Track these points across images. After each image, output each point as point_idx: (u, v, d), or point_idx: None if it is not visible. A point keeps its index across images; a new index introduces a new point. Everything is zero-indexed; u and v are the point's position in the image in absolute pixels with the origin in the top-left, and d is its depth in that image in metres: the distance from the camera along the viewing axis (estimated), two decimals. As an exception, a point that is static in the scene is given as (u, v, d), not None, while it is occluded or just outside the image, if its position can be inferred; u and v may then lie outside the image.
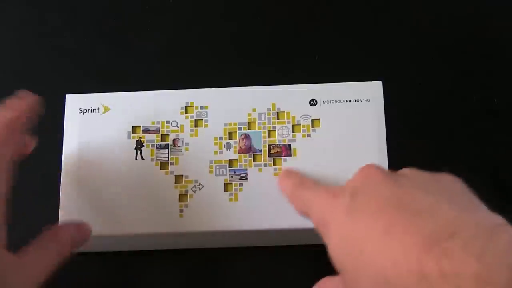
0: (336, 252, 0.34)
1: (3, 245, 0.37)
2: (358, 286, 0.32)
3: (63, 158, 0.46)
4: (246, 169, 0.45)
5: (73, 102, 0.47)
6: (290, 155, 0.45)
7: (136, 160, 0.45)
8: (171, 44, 0.54)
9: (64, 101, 0.48)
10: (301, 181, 0.40)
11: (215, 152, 0.45)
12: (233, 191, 0.44)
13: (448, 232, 0.29)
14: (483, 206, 0.32)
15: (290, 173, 0.43)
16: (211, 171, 0.45)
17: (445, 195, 0.32)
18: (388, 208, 0.32)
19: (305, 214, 0.39)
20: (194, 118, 0.46)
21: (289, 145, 0.45)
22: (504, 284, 0.26)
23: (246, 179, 0.45)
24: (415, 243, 0.29)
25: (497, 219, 0.30)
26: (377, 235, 0.31)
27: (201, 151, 0.45)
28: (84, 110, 0.47)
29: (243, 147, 0.45)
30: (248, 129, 0.46)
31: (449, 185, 0.34)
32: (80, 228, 0.43)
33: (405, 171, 0.36)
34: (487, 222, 0.29)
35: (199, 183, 0.45)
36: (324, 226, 0.35)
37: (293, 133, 0.46)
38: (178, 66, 0.54)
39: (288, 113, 0.46)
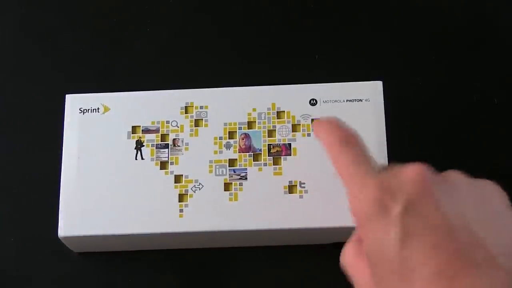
0: (370, 252, 0.33)
1: None
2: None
3: (63, 158, 0.46)
4: (246, 169, 0.45)
5: (73, 102, 0.47)
6: (290, 155, 0.45)
7: (136, 160, 0.45)
8: (171, 44, 0.54)
9: (64, 101, 0.47)
10: (347, 143, 0.36)
11: (215, 152, 0.45)
12: (233, 191, 0.44)
13: None
14: None
15: (335, 127, 0.37)
16: (211, 171, 0.45)
17: (497, 231, 0.31)
18: (444, 247, 0.30)
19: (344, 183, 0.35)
20: (194, 118, 0.46)
21: (289, 144, 0.45)
22: None
23: (246, 178, 0.45)
24: None
25: None
26: (427, 275, 0.30)
27: (201, 151, 0.45)
28: (84, 110, 0.47)
29: (243, 147, 0.45)
30: (248, 129, 0.46)
31: (498, 208, 0.33)
32: None
33: (458, 182, 0.33)
34: None
35: (199, 183, 0.45)
36: (363, 228, 0.33)
37: (293, 133, 0.46)
38: (178, 66, 0.54)
39: (288, 112, 0.46)
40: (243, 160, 0.45)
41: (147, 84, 0.49)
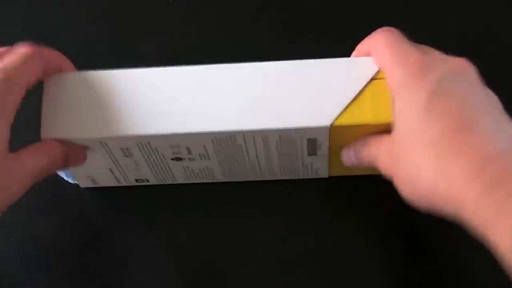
0: (397, 116, 0.36)
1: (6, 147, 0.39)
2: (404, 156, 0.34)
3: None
4: None
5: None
6: None
7: None
8: (171, 44, 0.54)
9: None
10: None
11: None
12: None
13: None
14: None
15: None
16: None
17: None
18: (456, 120, 0.34)
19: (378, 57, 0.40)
20: None
21: None
22: None
23: None
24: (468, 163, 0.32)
25: None
26: (439, 138, 0.33)
27: None
28: None
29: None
30: None
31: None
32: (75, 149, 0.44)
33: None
34: None
35: None
36: (395, 91, 0.36)
37: None
38: (177, 66, 0.54)
39: None
40: None
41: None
